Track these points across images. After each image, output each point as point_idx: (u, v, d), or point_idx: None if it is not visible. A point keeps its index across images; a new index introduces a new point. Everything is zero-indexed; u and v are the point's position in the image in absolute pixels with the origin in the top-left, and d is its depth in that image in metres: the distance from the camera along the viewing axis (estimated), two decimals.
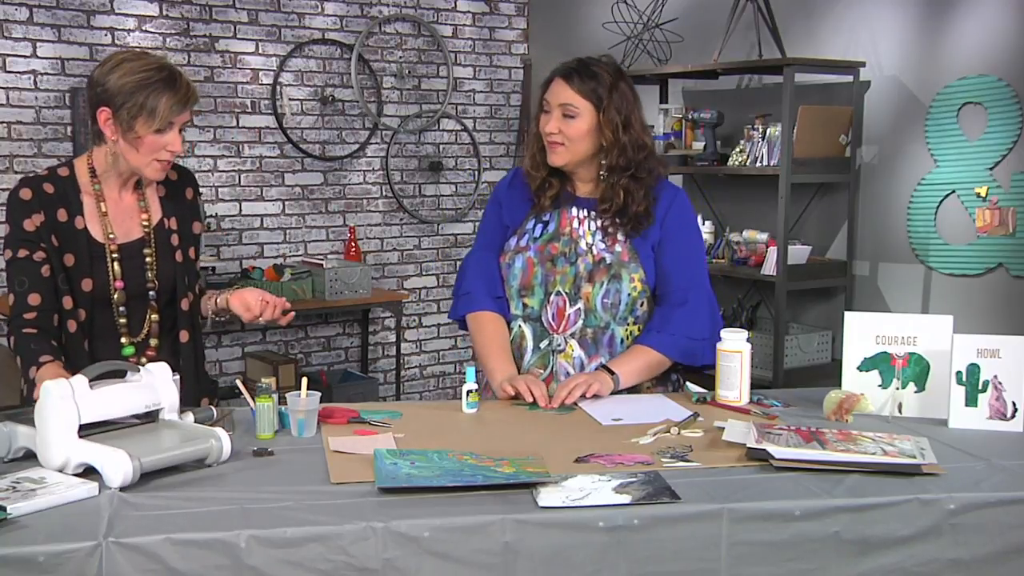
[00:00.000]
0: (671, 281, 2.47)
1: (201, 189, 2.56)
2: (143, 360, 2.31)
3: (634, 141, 2.41)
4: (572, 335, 2.45)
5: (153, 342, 2.38)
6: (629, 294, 2.43)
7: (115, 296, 2.31)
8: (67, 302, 2.27)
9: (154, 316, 2.36)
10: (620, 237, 2.45)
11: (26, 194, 2.26)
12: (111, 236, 2.31)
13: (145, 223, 2.36)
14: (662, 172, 2.50)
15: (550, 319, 2.47)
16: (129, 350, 2.34)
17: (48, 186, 2.28)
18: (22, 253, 2.25)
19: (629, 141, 2.40)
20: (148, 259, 2.35)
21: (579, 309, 2.44)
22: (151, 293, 2.36)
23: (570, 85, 2.40)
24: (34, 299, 2.24)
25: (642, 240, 2.45)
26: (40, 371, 2.18)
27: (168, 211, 2.41)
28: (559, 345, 2.46)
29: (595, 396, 2.33)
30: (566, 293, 2.45)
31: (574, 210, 2.50)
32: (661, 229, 2.46)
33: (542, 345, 2.48)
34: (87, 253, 2.29)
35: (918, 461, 1.88)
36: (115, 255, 2.31)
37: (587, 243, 2.46)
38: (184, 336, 2.42)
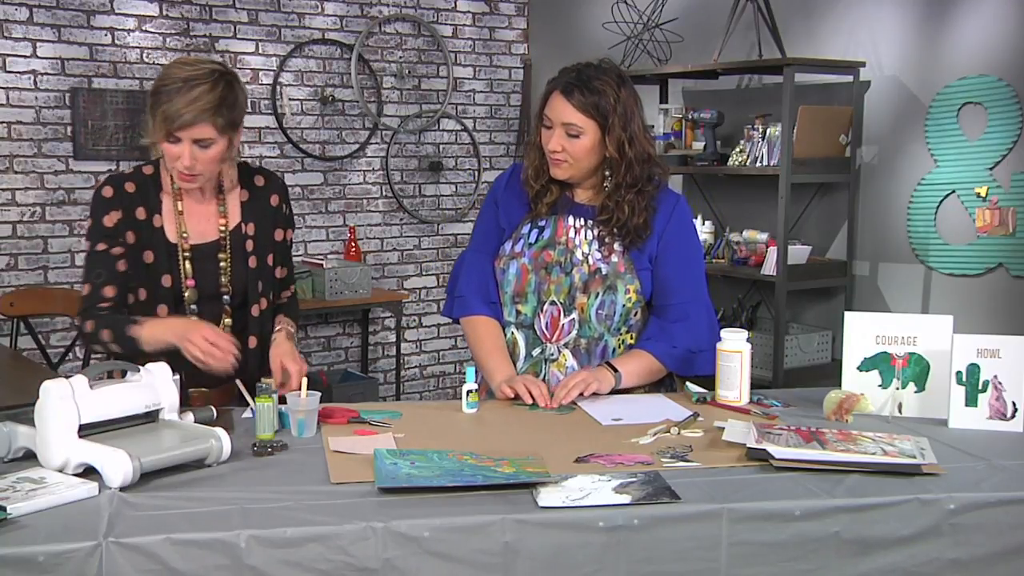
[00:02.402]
0: (672, 293, 2.45)
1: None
2: None
3: (639, 154, 2.37)
4: (565, 345, 2.44)
5: None
6: (624, 305, 2.42)
7: (186, 295, 2.33)
8: (142, 294, 2.30)
9: (227, 320, 2.36)
10: (617, 247, 2.42)
11: (107, 192, 2.30)
12: (184, 235, 2.33)
13: (222, 227, 2.37)
14: (663, 179, 2.48)
15: (543, 328, 2.45)
16: None
17: (130, 185, 2.32)
18: (101, 247, 2.29)
19: (635, 155, 2.36)
20: (222, 263, 2.36)
21: (573, 319, 2.42)
22: (225, 297, 2.36)
23: (571, 101, 2.33)
24: (109, 291, 2.29)
25: (639, 251, 2.43)
26: (147, 325, 2.22)
27: (247, 216, 2.40)
28: (552, 354, 2.45)
29: (594, 394, 2.33)
30: (560, 303, 2.43)
31: (571, 218, 2.47)
32: (659, 241, 2.44)
33: (534, 353, 2.46)
34: (164, 251, 2.32)
35: (918, 461, 1.88)
36: (187, 254, 2.33)
37: (583, 253, 2.44)
38: (252, 342, 2.39)
